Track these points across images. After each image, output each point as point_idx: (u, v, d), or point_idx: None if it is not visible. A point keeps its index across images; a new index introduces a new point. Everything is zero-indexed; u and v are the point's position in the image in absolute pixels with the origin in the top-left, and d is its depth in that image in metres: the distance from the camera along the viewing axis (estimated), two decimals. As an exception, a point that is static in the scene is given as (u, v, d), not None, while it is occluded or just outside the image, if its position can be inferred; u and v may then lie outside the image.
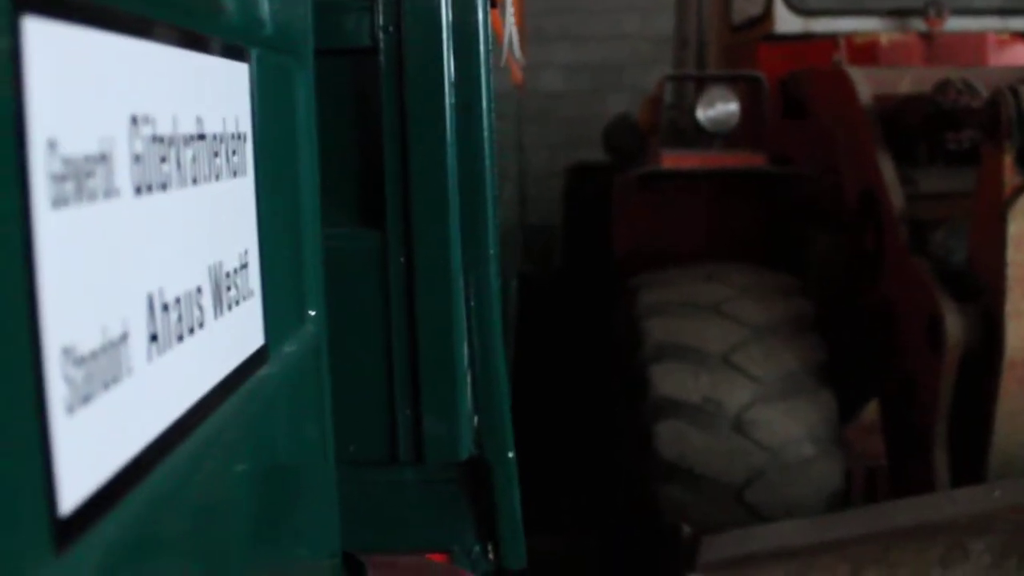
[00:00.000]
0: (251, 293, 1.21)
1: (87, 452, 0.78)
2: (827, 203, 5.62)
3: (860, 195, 5.18)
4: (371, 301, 1.96)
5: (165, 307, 0.93)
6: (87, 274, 0.78)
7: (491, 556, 2.07)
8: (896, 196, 4.91)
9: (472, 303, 1.95)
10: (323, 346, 1.57)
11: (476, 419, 1.99)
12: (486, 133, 1.94)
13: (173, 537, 0.98)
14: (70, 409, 0.75)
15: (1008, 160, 4.15)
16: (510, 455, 2.01)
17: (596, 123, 9.09)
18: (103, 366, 0.80)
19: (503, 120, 3.63)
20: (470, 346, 1.97)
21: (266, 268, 1.27)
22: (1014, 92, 4.11)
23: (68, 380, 0.74)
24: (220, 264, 1.10)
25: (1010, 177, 4.16)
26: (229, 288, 1.12)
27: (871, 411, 5.59)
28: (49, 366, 0.72)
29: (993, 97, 4.22)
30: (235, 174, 1.16)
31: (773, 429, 4.70)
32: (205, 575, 1.10)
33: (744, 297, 5.05)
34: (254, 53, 1.24)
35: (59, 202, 0.74)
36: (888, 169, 4.96)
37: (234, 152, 1.15)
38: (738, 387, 4.77)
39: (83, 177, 0.77)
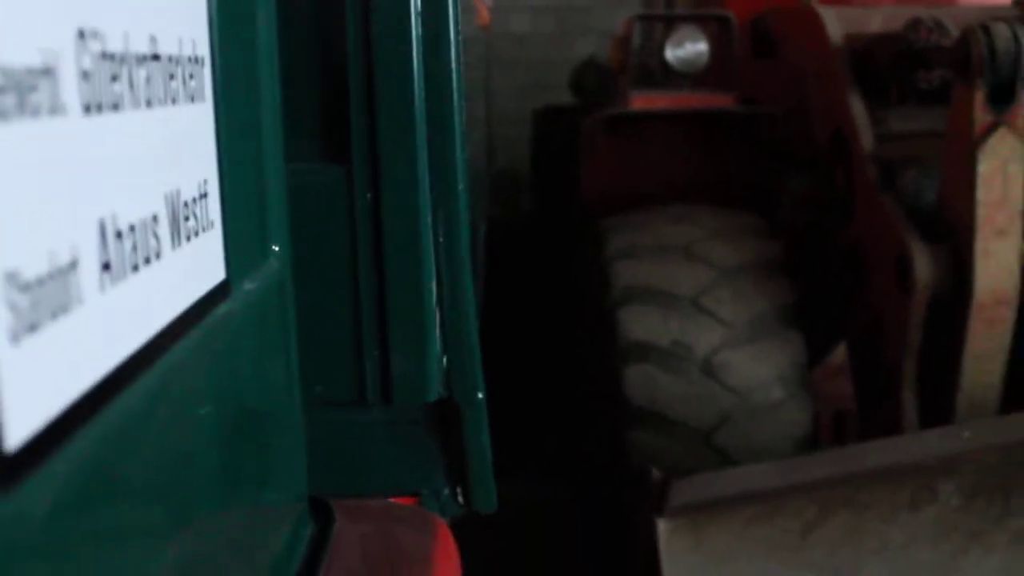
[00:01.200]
0: (211, 225, 1.16)
1: (35, 384, 0.73)
2: (797, 144, 5.59)
3: (830, 135, 5.15)
4: (336, 238, 1.91)
5: (119, 234, 0.88)
6: (32, 195, 0.73)
7: (460, 499, 2.03)
8: (866, 135, 4.88)
9: (441, 240, 1.90)
10: (288, 283, 1.52)
11: (445, 359, 1.95)
12: (454, 65, 1.88)
13: (130, 476, 0.94)
14: (15, 338, 0.70)
15: (979, 99, 4.12)
16: (480, 396, 1.96)
17: (563, 66, 9.03)
18: (51, 293, 0.75)
19: (470, 61, 3.57)
20: (439, 285, 1.92)
21: (227, 200, 1.22)
22: (985, 30, 4.08)
23: (12, 307, 0.69)
24: (177, 192, 1.04)
25: (980, 116, 4.13)
26: (187, 218, 1.07)
27: (839, 354, 5.58)
28: (-11, 290, 0.67)
29: (964, 36, 4.19)
30: (192, 99, 1.10)
31: (742, 372, 4.69)
32: (165, 516, 1.06)
33: (713, 239, 5.02)
34: (213, -27, 1.19)
35: (-1, 115, 0.69)
36: (858, 108, 4.92)
37: (191, 76, 1.10)
38: (707, 330, 4.75)
39: (25, 91, 0.72)
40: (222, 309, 1.20)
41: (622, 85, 6.20)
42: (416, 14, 1.84)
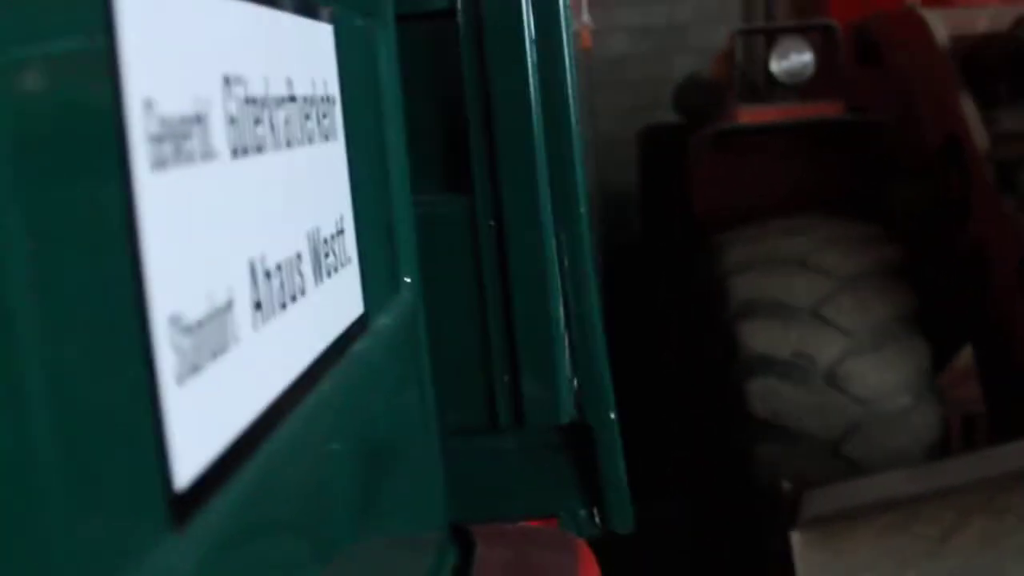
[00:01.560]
0: (348, 260, 1.18)
1: (199, 424, 0.75)
2: (907, 149, 5.54)
3: (942, 139, 5.09)
4: (463, 267, 1.92)
5: (267, 274, 0.90)
6: (190, 239, 0.75)
7: (597, 520, 2.03)
8: (980, 137, 4.82)
9: (565, 263, 1.91)
10: (420, 314, 1.53)
11: (575, 381, 1.96)
12: (570, 91, 1.89)
13: (283, 511, 0.96)
14: (180, 380, 0.72)
15: (1092, 93, 4.06)
16: (612, 416, 1.97)
17: (664, 85, 9.00)
18: (210, 335, 0.77)
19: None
20: (566, 307, 1.93)
21: (361, 234, 1.24)
22: (1095, 23, 4.02)
23: (177, 349, 0.71)
24: (318, 230, 1.07)
25: (1096, 110, 4.07)
26: (327, 255, 1.09)
27: (965, 357, 5.51)
28: (158, 335, 0.69)
29: (1074, 29, 4.12)
30: (327, 138, 1.13)
31: (867, 381, 4.65)
32: (314, 549, 1.08)
33: (829, 248, 4.99)
34: (337, 14, 1.21)
35: (158, 164, 0.71)
36: (970, 110, 4.86)
37: (324, 115, 1.12)
38: (828, 340, 4.72)
39: (180, 139, 0.74)
40: (361, 342, 1.21)
41: (728, 100, 6.18)
42: (530, 42, 1.85)
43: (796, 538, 3.77)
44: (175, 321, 0.71)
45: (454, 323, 1.94)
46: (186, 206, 0.75)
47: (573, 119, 1.91)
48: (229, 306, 0.81)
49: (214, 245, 0.79)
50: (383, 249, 1.39)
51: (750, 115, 5.77)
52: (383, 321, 1.35)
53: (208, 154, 0.79)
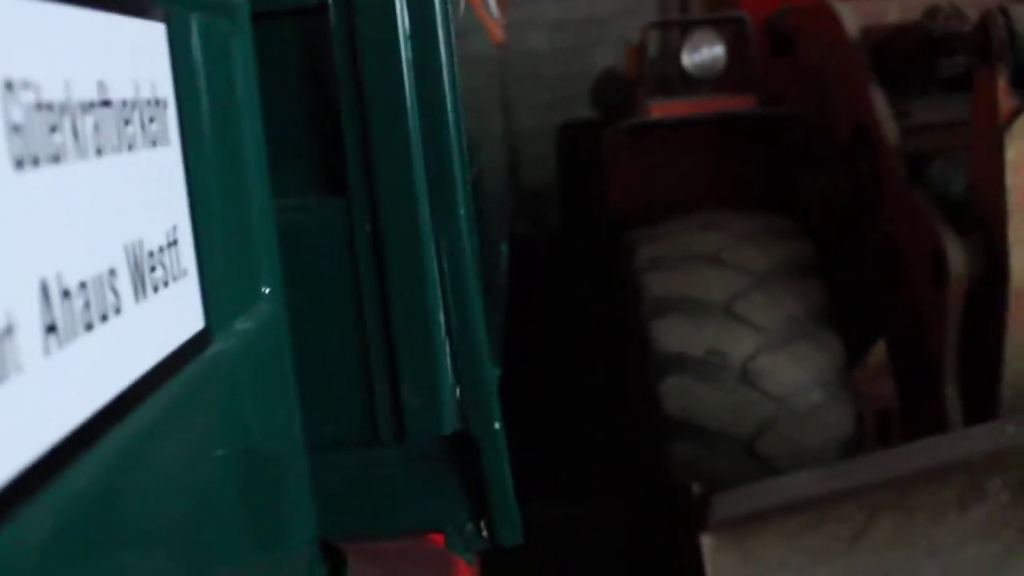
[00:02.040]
0: (183, 273, 1.10)
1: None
2: (820, 142, 5.53)
3: (853, 130, 5.08)
4: (338, 273, 1.85)
5: (66, 293, 0.82)
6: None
7: (484, 533, 1.97)
8: (890, 129, 4.81)
9: (445, 267, 1.85)
10: (282, 324, 1.46)
11: (458, 391, 1.89)
12: (447, 88, 1.83)
13: (101, 546, 0.88)
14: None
15: (1002, 83, 4.04)
16: (497, 426, 1.90)
17: (584, 80, 8.99)
18: (-23, 366, 0.69)
19: (479, 78, 3.52)
20: (446, 314, 1.86)
21: (202, 245, 1.16)
22: (1004, 13, 4.01)
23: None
24: (140, 243, 0.99)
25: (1005, 101, 4.05)
26: (154, 268, 1.02)
27: (878, 353, 5.51)
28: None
29: (983, 20, 4.11)
30: (154, 143, 1.05)
31: (780, 378, 4.62)
32: (162, 571, 1.00)
33: (742, 243, 4.96)
34: (172, 12, 1.13)
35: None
36: (880, 102, 4.85)
37: (151, 119, 1.04)
38: (742, 337, 4.69)
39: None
40: (204, 357, 1.14)
41: (640, 95, 6.15)
42: (405, 38, 1.79)
43: (706, 540, 3.73)
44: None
45: (330, 332, 1.87)
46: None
47: (451, 118, 1.84)
48: (9, 331, 0.73)
49: (-17, 263, 0.72)
50: (234, 259, 1.31)
51: (662, 109, 5.75)
52: (236, 332, 1.27)
53: (-26, 165, 0.71)
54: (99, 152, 0.91)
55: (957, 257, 4.32)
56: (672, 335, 4.75)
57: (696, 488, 3.81)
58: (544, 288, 7.80)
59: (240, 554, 1.29)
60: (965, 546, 3.84)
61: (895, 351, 5.13)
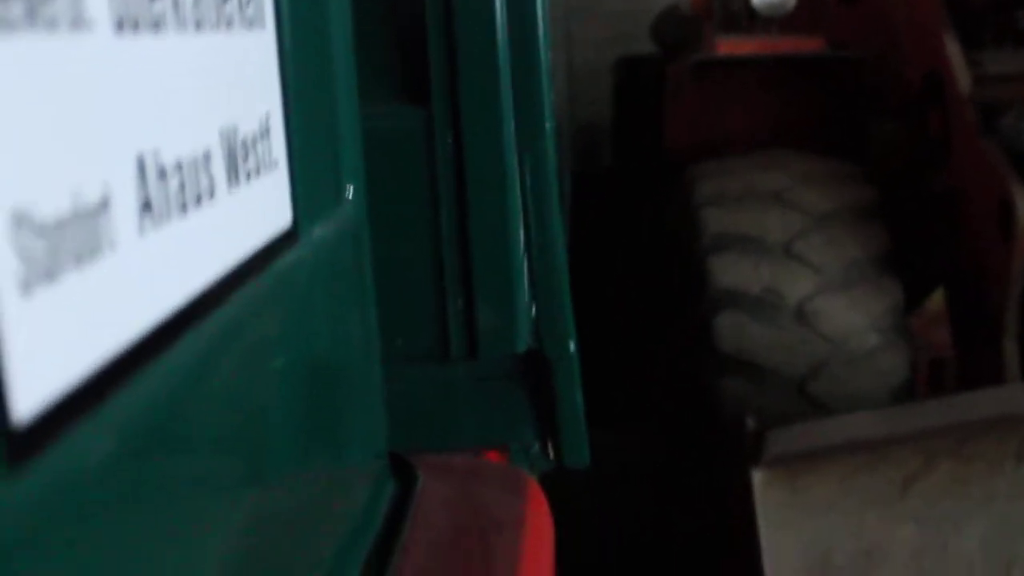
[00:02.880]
0: (275, 164, 1.06)
1: (53, 343, 0.63)
2: (887, 88, 5.43)
3: (924, 77, 4.99)
4: (418, 184, 1.80)
5: (162, 172, 0.78)
6: (47, 123, 0.63)
7: (551, 454, 1.93)
8: (963, 77, 4.71)
9: (528, 183, 1.80)
10: (364, 229, 1.41)
11: (534, 309, 1.85)
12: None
13: (181, 443, 0.84)
14: (26, 288, 0.59)
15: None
16: (571, 347, 1.86)
17: (646, 16, 8.86)
18: (74, 237, 0.64)
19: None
20: (526, 231, 1.81)
21: (293, 138, 1.11)
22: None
23: (23, 253, 0.59)
24: (235, 128, 0.94)
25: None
26: (247, 157, 0.97)
27: (936, 301, 5.45)
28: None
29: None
30: (251, 25, 1.00)
31: (836, 320, 4.57)
32: (231, 477, 0.96)
33: (804, 184, 4.89)
34: None
35: (3, 25, 0.58)
36: (954, 49, 4.76)
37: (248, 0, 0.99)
38: (799, 277, 4.64)
39: (37, 0, 0.61)
40: (290, 256, 1.09)
41: (707, 31, 6.06)
42: (496, -56, 1.73)
43: (757, 476, 3.69)
44: (21, 219, 0.59)
45: (406, 244, 1.83)
46: (41, 82, 0.62)
47: (541, 28, 1.78)
48: (104, 205, 0.69)
49: (83, 132, 0.67)
50: (321, 156, 1.27)
51: (729, 46, 5.65)
52: (319, 235, 1.23)
53: (79, 22, 0.66)
54: (198, 26, 0.86)
55: (1025, 209, 4.25)
56: (729, 271, 4.70)
57: (751, 423, 3.77)
58: (596, 224, 7.73)
59: (311, 461, 1.25)
60: (1018, 499, 3.79)
61: (954, 300, 5.07)
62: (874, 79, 5.53)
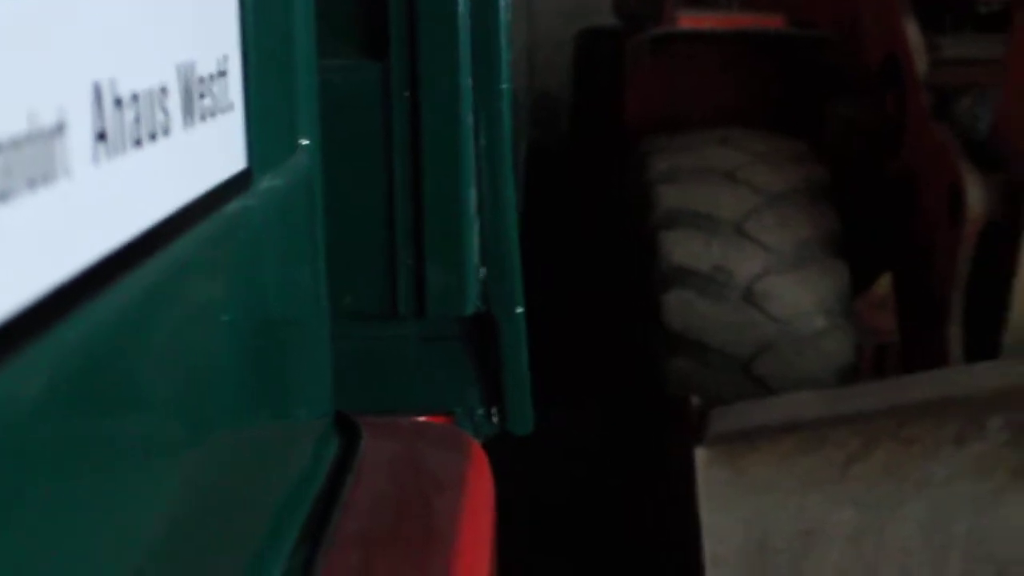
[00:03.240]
0: (230, 107, 1.05)
1: (4, 264, 0.62)
2: (847, 68, 5.44)
3: (882, 59, 5.00)
4: (371, 139, 1.79)
5: (118, 102, 0.77)
6: (3, 42, 0.62)
7: (496, 420, 1.92)
8: (920, 60, 4.72)
9: (482, 143, 1.79)
10: (316, 181, 1.40)
11: (483, 271, 1.84)
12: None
13: (122, 381, 0.82)
14: (-22, 206, 0.58)
15: (1044, 22, 3.97)
16: (519, 311, 1.85)
17: (608, -11, 8.84)
18: (28, 159, 0.64)
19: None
20: (479, 191, 1.80)
21: (250, 82, 1.10)
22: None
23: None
24: (192, 64, 0.93)
25: (1045, 41, 3.98)
26: (203, 96, 0.96)
27: (882, 286, 5.46)
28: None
29: (1029, -45, 4.03)
30: (212, -36, 0.99)
31: (783, 300, 4.58)
32: (170, 429, 0.95)
33: (759, 163, 4.89)
34: None
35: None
36: (913, 32, 4.77)
37: (210, -63, 0.98)
38: (750, 256, 4.64)
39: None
40: (242, 202, 1.08)
41: (668, 4, 6.05)
42: None
43: (700, 454, 3.69)
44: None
45: (357, 200, 1.81)
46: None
47: (500, -16, 1.77)
48: (59, 129, 0.68)
49: (41, 54, 0.66)
50: (277, 105, 1.25)
51: (690, 21, 5.65)
52: (272, 184, 1.21)
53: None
54: (159, -40, 0.85)
55: (975, 195, 4.26)
56: (680, 248, 4.70)
57: (695, 401, 3.78)
58: (553, 196, 7.73)
59: (254, 415, 1.24)
60: (956, 482, 3.82)
61: (901, 285, 5.09)
62: (835, 59, 5.54)
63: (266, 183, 1.18)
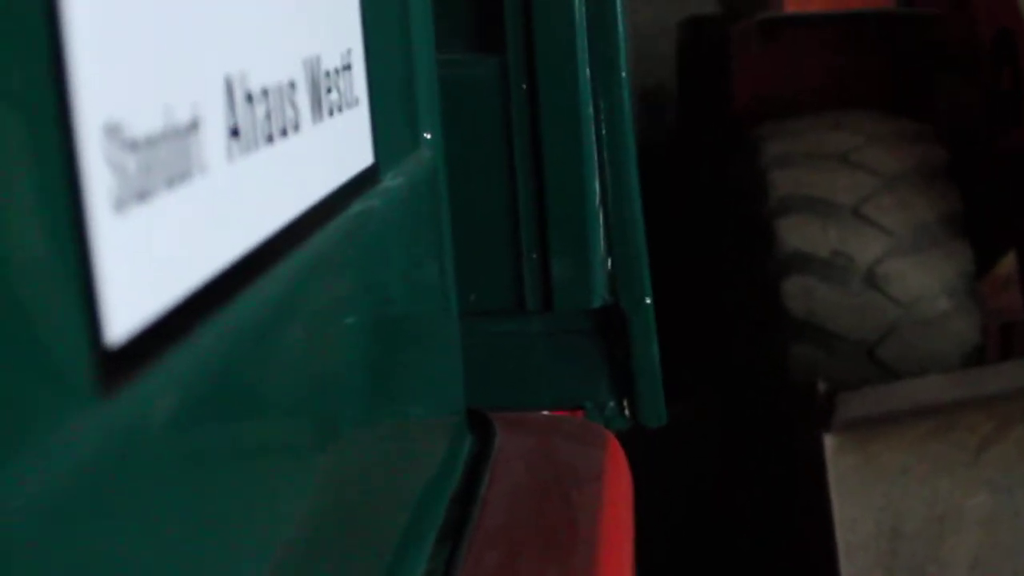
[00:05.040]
0: (356, 101, 1.03)
1: (148, 266, 0.60)
2: (958, 45, 5.35)
3: (995, 34, 4.90)
4: (491, 134, 1.77)
5: (249, 97, 0.75)
6: (138, 35, 0.60)
7: (627, 413, 1.89)
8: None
9: (603, 132, 1.76)
10: (440, 174, 1.38)
11: (609, 262, 1.81)
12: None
13: (263, 382, 0.81)
14: (119, 206, 0.57)
15: None
16: (648, 301, 1.82)
17: (706, -24, 8.76)
18: (166, 156, 0.62)
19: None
20: (602, 181, 1.77)
21: (374, 76, 1.08)
22: None
23: (115, 167, 0.56)
24: (318, 59, 0.91)
25: None
26: (330, 90, 0.94)
27: (1006, 264, 5.37)
28: (86, 146, 0.54)
29: None
30: (332, -42, 0.97)
31: (906, 283, 4.51)
32: (304, 430, 0.94)
33: (874, 145, 4.82)
34: None
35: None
36: (1027, 4, 4.67)
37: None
38: (869, 240, 4.58)
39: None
40: (370, 197, 1.06)
41: (774, -10, 5.98)
42: None
43: (829, 441, 3.64)
44: (113, 131, 0.56)
45: (479, 196, 1.79)
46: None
47: (616, -28, 1.74)
48: (194, 126, 0.66)
49: (174, 49, 0.64)
50: (399, 97, 1.24)
51: (797, 4, 5.58)
52: (397, 178, 1.20)
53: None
54: (282, -47, 0.84)
55: (1096, 167, 4.17)
56: (797, 234, 4.65)
57: (822, 387, 3.72)
58: (661, 188, 7.68)
59: (388, 416, 1.22)
60: (1095, 463, 3.73)
61: (1025, 264, 4.99)
62: (944, 37, 5.45)
63: (392, 178, 1.17)
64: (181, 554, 0.67)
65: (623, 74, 1.75)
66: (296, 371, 0.90)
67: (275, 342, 0.84)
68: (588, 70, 1.74)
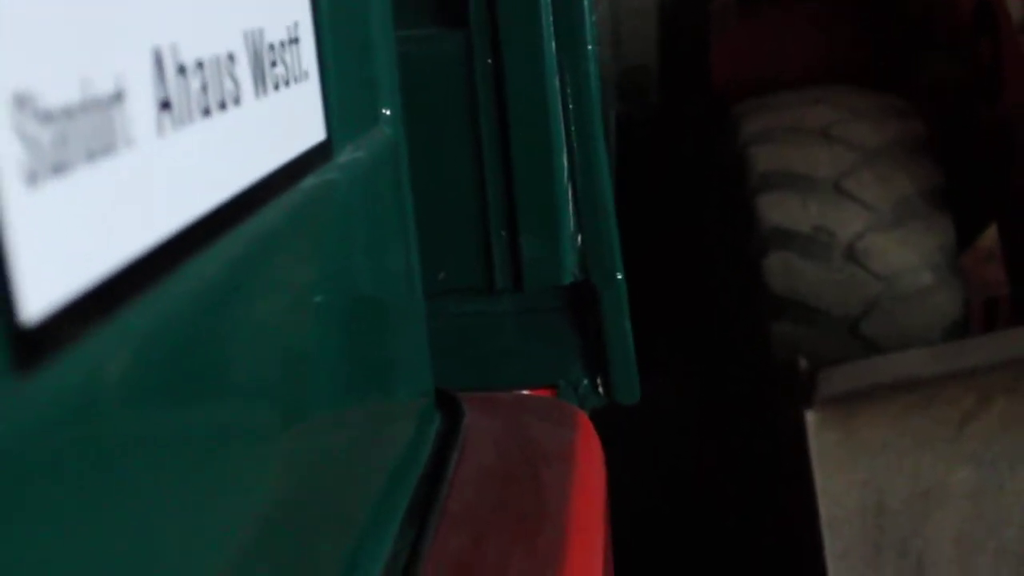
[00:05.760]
0: (304, 75, 1.00)
1: (67, 240, 0.58)
2: (937, 19, 5.33)
3: (974, 9, 4.89)
4: (456, 111, 1.75)
5: (182, 69, 0.73)
6: (53, 6, 0.58)
7: (601, 390, 1.88)
8: (1014, 4, 4.61)
9: (570, 107, 1.74)
10: (401, 151, 1.36)
11: (579, 239, 1.79)
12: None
13: (201, 364, 0.78)
14: (32, 179, 0.54)
15: None
16: (619, 277, 1.80)
17: (689, -47, 8.73)
18: (85, 129, 0.59)
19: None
20: (570, 157, 1.75)
21: (325, 50, 1.06)
22: None
23: (28, 140, 0.54)
24: (260, 31, 0.89)
25: None
26: (275, 63, 0.92)
27: (988, 238, 5.36)
28: (-8, 116, 0.52)
29: None
30: (276, -73, 0.94)
31: (888, 258, 4.49)
32: (249, 416, 0.91)
33: (853, 120, 4.80)
34: None
35: None
36: (1005, -25, 4.66)
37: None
38: (850, 215, 4.56)
39: None
40: (324, 173, 1.04)
41: (753, -35, 5.97)
42: None
43: (811, 417, 3.62)
44: (24, 101, 0.54)
45: (446, 174, 1.77)
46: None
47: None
48: (118, 98, 0.64)
49: (94, 19, 0.62)
50: (354, 72, 1.21)
51: (776, -21, 5.57)
52: (354, 155, 1.17)
53: None
54: (219, -79, 0.81)
55: (1081, 139, 4.16)
56: (778, 210, 4.63)
57: (803, 363, 3.71)
58: (643, 167, 7.66)
59: (352, 396, 1.20)
60: (1077, 436, 3.72)
61: (1006, 235, 4.98)
62: (923, 10, 5.43)
63: (348, 154, 1.14)
64: (139, 535, 0.65)
65: (589, 47, 1.73)
66: (247, 351, 0.87)
67: (220, 320, 0.81)
68: (554, 44, 1.72)
